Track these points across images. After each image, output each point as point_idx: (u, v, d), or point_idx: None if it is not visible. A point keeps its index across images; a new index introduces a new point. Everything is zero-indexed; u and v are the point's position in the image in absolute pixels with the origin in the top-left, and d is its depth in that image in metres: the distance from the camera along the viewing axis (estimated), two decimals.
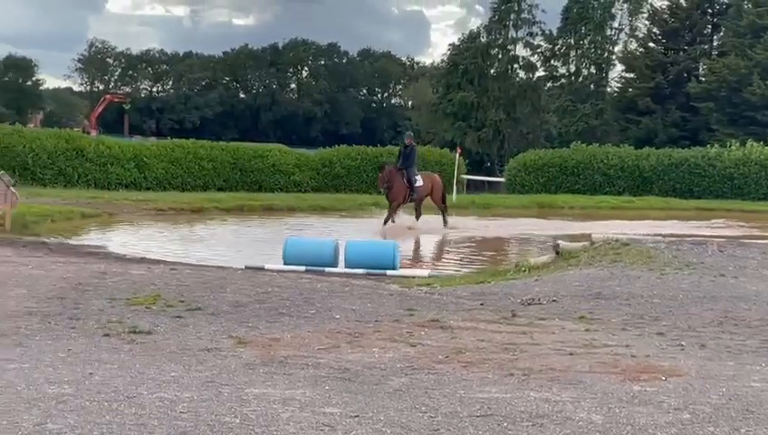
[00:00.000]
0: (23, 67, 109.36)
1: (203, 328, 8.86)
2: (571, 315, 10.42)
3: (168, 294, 10.83)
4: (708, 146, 48.54)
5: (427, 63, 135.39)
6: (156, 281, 12.09)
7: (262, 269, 15.58)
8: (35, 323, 8.79)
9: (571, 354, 8.13)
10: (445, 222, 26.88)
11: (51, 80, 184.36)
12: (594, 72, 77.70)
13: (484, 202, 39.83)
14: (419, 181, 26.21)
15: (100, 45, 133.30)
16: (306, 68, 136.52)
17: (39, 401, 5.99)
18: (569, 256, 15.19)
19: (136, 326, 8.69)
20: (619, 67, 76.17)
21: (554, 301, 11.44)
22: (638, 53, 72.50)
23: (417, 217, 26.68)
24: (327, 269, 16.08)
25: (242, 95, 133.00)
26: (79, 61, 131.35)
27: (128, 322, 8.94)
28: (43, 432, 5.36)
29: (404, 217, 26.53)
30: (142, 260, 16.55)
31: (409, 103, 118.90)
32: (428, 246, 24.01)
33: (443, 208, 27.32)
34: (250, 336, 8.55)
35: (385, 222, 25.53)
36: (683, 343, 8.84)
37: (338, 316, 9.90)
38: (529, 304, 11.29)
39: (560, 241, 16.57)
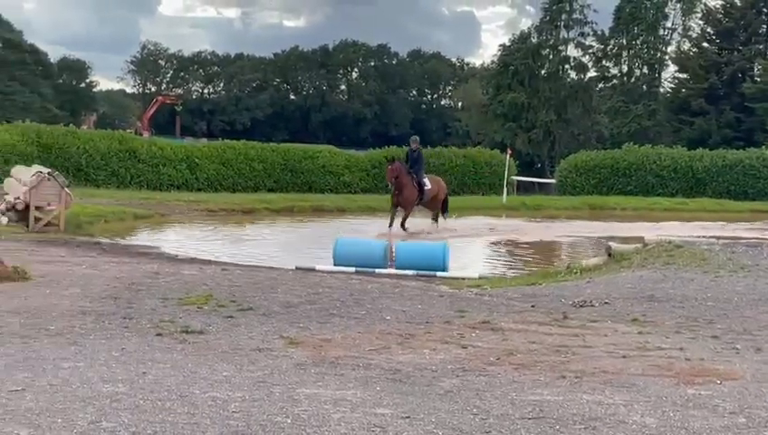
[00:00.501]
0: (77, 69, 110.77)
1: (254, 328, 8.89)
2: (624, 318, 10.32)
3: (219, 294, 10.90)
4: (763, 147, 47.90)
5: (477, 64, 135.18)
6: (207, 281, 12.18)
7: (312, 270, 15.62)
8: (89, 322, 8.88)
9: (623, 357, 8.04)
10: (435, 221, 26.97)
11: (104, 82, 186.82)
12: (647, 72, 77.04)
13: (534, 204, 39.66)
14: (428, 185, 26.19)
15: (152, 47, 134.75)
16: (356, 69, 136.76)
17: (93, 399, 6.05)
18: (621, 258, 15.05)
19: (188, 326, 8.75)
20: (672, 67, 75.58)
21: (606, 303, 11.34)
22: (691, 54, 71.78)
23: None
24: (377, 270, 16.08)
25: (292, 96, 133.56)
26: (131, 63, 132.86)
27: (180, 321, 9.01)
28: (97, 430, 5.40)
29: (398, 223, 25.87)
30: (194, 260, 16.68)
31: (459, 104, 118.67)
32: (476, 248, 23.90)
33: (442, 211, 27.25)
34: (301, 337, 8.58)
35: (397, 224, 25.16)
36: (738, 346, 8.71)
37: (388, 317, 9.89)
38: (581, 306, 11.19)
39: (611, 243, 16.44)
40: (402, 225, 25.21)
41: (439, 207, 27.03)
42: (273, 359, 7.56)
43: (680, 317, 10.37)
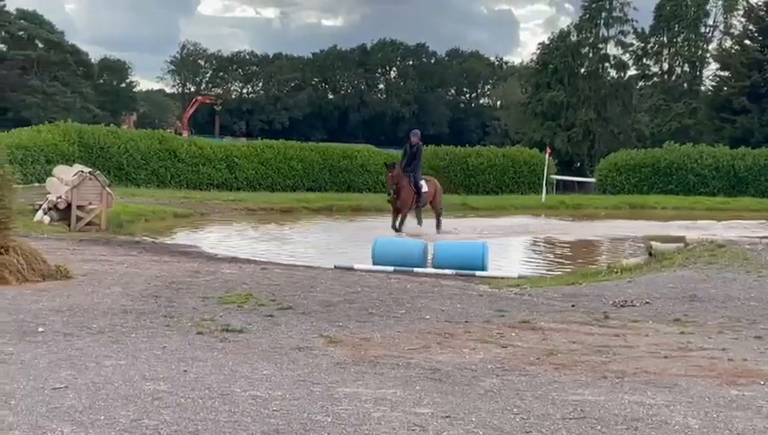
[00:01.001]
0: (117, 69, 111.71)
1: (294, 327, 8.92)
2: (666, 318, 10.23)
3: (259, 293, 10.94)
4: None
5: (515, 63, 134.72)
6: (247, 280, 12.22)
7: (351, 269, 15.64)
8: (131, 320, 8.95)
9: (665, 357, 7.98)
10: (438, 223, 25.48)
11: (144, 82, 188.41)
12: (688, 70, 76.37)
13: (574, 203, 39.47)
14: (425, 187, 24.90)
15: (191, 48, 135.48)
16: (394, 68, 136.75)
17: (135, 397, 6.09)
18: (662, 258, 14.93)
19: (228, 325, 8.79)
20: (714, 65, 74.75)
21: (648, 303, 11.25)
22: (733, 51, 71.00)
23: (420, 222, 25.16)
24: (416, 269, 16.07)
25: (330, 96, 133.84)
26: (171, 63, 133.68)
27: (220, 320, 9.05)
28: (139, 428, 5.44)
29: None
30: (233, 259, 16.74)
31: (498, 103, 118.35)
32: (515, 248, 23.81)
33: (439, 213, 25.85)
34: (340, 336, 8.59)
35: (397, 229, 23.87)
36: None
37: (428, 317, 9.88)
38: (622, 305, 11.12)
39: (653, 242, 16.31)
40: (397, 226, 23.98)
41: (439, 209, 25.83)
42: (312, 358, 7.58)
43: (723, 317, 10.27)
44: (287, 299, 10.57)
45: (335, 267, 15.80)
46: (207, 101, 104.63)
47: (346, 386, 6.61)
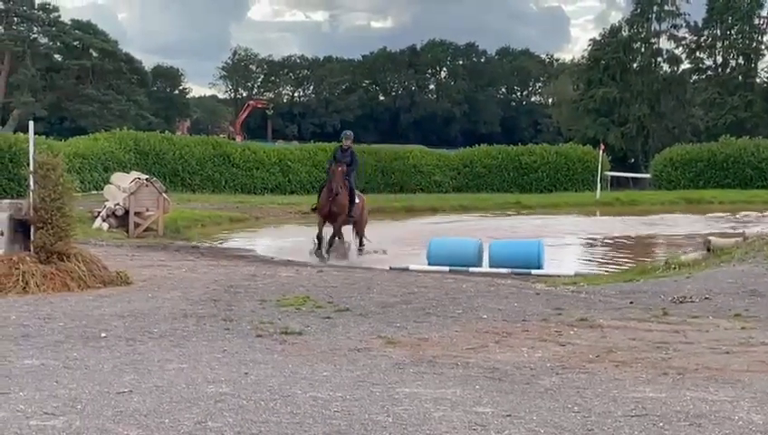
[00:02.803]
0: (170, 77, 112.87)
1: (352, 328, 8.96)
2: (726, 313, 10.13)
3: (316, 295, 11.01)
4: None
5: (566, 60, 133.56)
6: (304, 283, 12.31)
7: (406, 270, 15.68)
8: (191, 324, 9.05)
9: (726, 353, 7.90)
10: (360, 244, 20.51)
11: (196, 88, 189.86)
12: (742, 62, 75.25)
13: (629, 199, 39.15)
14: (357, 199, 20.07)
15: (242, 53, 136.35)
16: (444, 68, 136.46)
17: (198, 399, 6.17)
18: (721, 253, 14.75)
19: (287, 327, 8.87)
20: None
21: (707, 298, 11.14)
22: None
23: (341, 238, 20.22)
24: (471, 269, 16.06)
25: (381, 97, 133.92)
26: (223, 69, 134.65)
27: (279, 323, 9.13)
28: (203, 430, 5.51)
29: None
30: (289, 262, 16.86)
31: (549, 101, 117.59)
32: (571, 245, 23.68)
33: (363, 233, 20.69)
34: (398, 336, 8.61)
35: (330, 244, 19.55)
36: None
37: (485, 316, 9.87)
38: (681, 302, 11.02)
39: (711, 237, 16.14)
40: (327, 247, 19.48)
41: (363, 229, 20.73)
42: (371, 359, 7.62)
43: None
44: (344, 301, 10.62)
45: (391, 269, 15.85)
46: (259, 106, 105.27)
47: (405, 386, 6.64)
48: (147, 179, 21.79)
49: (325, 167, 21.54)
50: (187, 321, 9.22)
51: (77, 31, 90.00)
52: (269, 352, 7.80)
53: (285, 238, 24.22)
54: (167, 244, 19.58)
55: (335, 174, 19.11)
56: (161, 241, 20.11)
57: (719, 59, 75.44)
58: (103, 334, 8.44)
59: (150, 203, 21.45)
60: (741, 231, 16.74)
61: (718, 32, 74.50)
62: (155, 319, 9.27)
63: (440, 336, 8.67)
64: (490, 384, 6.74)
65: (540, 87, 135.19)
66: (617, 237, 24.74)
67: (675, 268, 14.31)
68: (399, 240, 22.53)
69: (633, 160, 67.23)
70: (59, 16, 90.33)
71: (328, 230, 19.33)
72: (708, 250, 15.28)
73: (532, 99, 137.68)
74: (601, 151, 42.80)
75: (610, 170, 46.05)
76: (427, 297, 11.14)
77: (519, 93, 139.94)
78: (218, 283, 12.06)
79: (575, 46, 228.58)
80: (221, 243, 22.21)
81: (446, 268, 15.90)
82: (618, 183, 48.31)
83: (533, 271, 15.98)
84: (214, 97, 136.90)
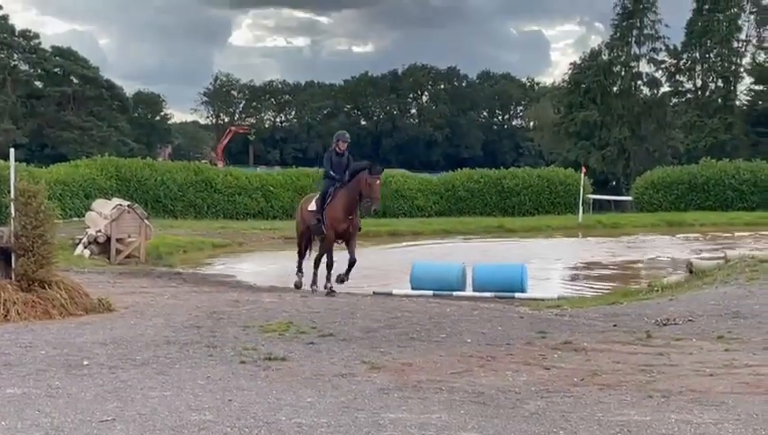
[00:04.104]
0: (151, 103, 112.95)
1: (336, 354, 8.93)
2: (709, 335, 10.15)
3: (299, 320, 10.97)
4: None
5: (547, 84, 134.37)
6: (287, 308, 12.26)
7: (390, 295, 15.65)
8: (174, 351, 8.99)
9: (711, 375, 7.91)
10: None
11: (178, 114, 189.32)
12: (721, 85, 75.80)
13: (611, 222, 39.25)
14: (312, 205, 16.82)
15: (224, 78, 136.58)
16: (426, 93, 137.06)
17: (182, 427, 6.13)
18: (703, 275, 14.82)
19: (271, 353, 8.82)
20: (748, 79, 74.18)
21: (690, 320, 11.17)
22: (767, 64, 70.50)
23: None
24: (455, 293, 16.05)
25: (363, 122, 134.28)
26: (204, 94, 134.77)
27: (262, 349, 9.08)
28: None
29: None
30: (273, 288, 16.80)
31: (531, 124, 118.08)
32: (552, 269, 23.71)
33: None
34: (382, 361, 8.58)
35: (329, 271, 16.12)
36: None
37: (469, 340, 9.86)
38: (664, 324, 11.04)
39: (693, 258, 16.21)
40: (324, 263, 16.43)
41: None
42: (355, 384, 7.58)
43: (767, 333, 10.16)
44: (328, 326, 10.58)
45: (374, 293, 15.82)
46: (241, 131, 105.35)
47: (390, 412, 6.61)
48: (128, 206, 21.74)
49: (322, 173, 17.66)
50: (170, 348, 9.16)
51: (57, 57, 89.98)
52: (253, 379, 7.75)
53: (268, 264, 24.18)
54: (149, 270, 19.50)
55: (374, 188, 15.73)
56: (143, 268, 20.03)
57: (698, 82, 75.98)
58: (86, 362, 8.38)
59: (132, 229, 21.39)
60: (722, 253, 16.80)
61: (697, 55, 75.05)
62: (137, 346, 9.21)
63: (424, 361, 8.64)
64: (475, 409, 6.72)
65: (521, 111, 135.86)
66: (599, 260, 24.80)
67: (658, 290, 14.37)
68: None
69: (614, 183, 67.49)
70: (39, 43, 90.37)
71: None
72: (691, 272, 15.34)
73: (514, 122, 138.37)
74: (583, 174, 42.94)
75: (592, 193, 46.17)
76: (410, 322, 11.12)
77: (500, 117, 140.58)
78: (201, 309, 12.00)
79: (555, 70, 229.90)
80: (204, 269, 22.13)
81: (430, 292, 15.90)
82: (599, 206, 48.44)
83: (517, 294, 15.99)
84: (195, 123, 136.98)
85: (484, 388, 7.44)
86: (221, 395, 7.09)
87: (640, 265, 24.80)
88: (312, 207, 16.52)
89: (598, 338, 10.02)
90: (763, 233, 32.00)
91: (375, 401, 6.94)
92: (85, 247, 21.21)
